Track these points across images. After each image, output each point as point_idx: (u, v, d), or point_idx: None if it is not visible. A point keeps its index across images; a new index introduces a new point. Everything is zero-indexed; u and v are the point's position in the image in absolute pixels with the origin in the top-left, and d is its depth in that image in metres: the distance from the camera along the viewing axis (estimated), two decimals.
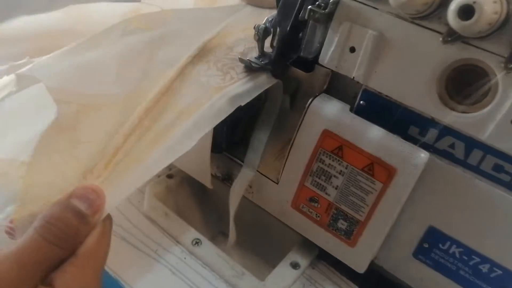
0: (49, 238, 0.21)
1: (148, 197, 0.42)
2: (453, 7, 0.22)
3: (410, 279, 0.37)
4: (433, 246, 0.34)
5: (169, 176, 0.46)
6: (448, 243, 0.33)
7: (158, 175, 0.46)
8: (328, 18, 0.32)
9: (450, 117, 0.29)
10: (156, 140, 0.29)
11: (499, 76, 0.26)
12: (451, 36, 0.27)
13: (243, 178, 0.38)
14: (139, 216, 0.41)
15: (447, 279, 0.34)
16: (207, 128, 0.31)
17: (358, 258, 0.35)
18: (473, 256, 0.32)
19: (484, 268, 0.32)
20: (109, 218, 0.24)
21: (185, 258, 0.38)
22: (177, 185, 0.46)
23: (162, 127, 0.30)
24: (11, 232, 0.22)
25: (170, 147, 0.29)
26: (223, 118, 0.32)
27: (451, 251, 0.33)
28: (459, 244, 0.33)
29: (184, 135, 0.30)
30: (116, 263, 0.36)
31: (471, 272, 0.33)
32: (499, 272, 0.31)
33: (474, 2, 0.22)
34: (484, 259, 0.32)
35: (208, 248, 0.39)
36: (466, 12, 0.22)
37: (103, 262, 0.23)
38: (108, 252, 0.24)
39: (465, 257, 0.33)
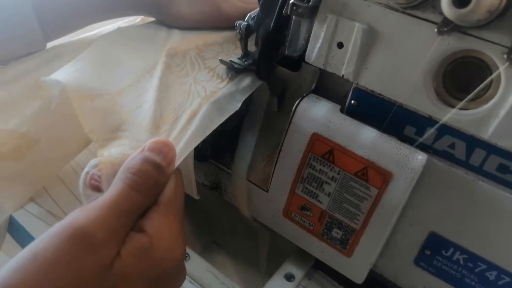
0: (136, 188, 0.23)
1: None
2: None
3: (412, 287, 0.34)
4: (435, 253, 0.31)
5: None
6: (451, 250, 0.30)
7: None
8: (312, 12, 0.29)
9: (449, 115, 0.26)
10: None
11: (502, 68, 0.24)
12: (447, 26, 0.24)
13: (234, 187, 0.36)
14: None
15: (450, 286, 0.32)
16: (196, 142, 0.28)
17: (356, 268, 0.33)
18: (479, 263, 0.29)
19: (491, 275, 0.29)
20: (178, 169, 0.25)
21: None
22: None
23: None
24: (96, 183, 0.25)
25: None
26: (212, 129, 0.29)
27: (454, 257, 0.30)
28: (463, 251, 0.30)
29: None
30: None
31: (477, 280, 0.30)
32: (508, 279, 0.29)
33: None
34: (491, 266, 0.29)
35: (196, 263, 0.36)
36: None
37: (182, 209, 0.25)
38: (183, 201, 0.25)
39: (470, 264, 0.30)
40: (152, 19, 0.43)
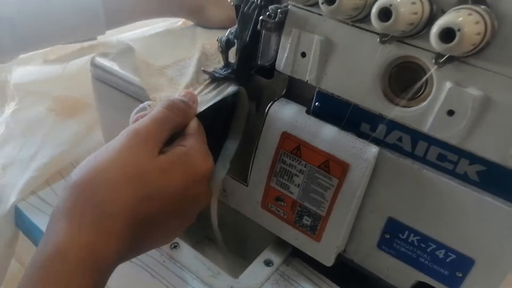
0: (169, 108, 0.31)
1: None
2: (374, 10, 0.24)
3: (378, 270, 0.38)
4: (393, 236, 0.35)
5: None
6: (406, 232, 0.34)
7: None
8: (279, 27, 0.33)
9: (395, 112, 0.30)
10: None
11: (433, 71, 0.28)
12: (387, 36, 0.28)
13: (215, 183, 0.40)
14: None
15: (410, 267, 0.35)
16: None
17: (324, 251, 0.36)
18: (429, 243, 0.33)
19: (440, 253, 0.33)
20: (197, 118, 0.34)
21: (164, 261, 0.39)
22: None
23: None
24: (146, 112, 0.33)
25: None
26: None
27: (409, 239, 0.34)
28: (416, 233, 0.33)
29: None
30: None
31: (429, 259, 0.34)
32: (453, 256, 0.32)
33: (390, 5, 0.23)
34: (439, 245, 0.33)
35: (185, 251, 0.40)
36: (385, 14, 0.23)
37: (205, 139, 0.33)
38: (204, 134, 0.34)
39: (422, 245, 0.34)
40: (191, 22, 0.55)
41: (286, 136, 0.35)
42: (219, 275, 0.38)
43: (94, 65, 0.42)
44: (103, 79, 0.42)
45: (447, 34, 0.22)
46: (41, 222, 0.43)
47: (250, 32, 0.37)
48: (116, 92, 0.41)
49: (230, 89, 0.38)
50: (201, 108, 0.35)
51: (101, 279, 0.26)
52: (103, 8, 0.45)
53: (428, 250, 0.33)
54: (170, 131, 0.31)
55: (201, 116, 0.34)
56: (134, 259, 0.39)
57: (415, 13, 0.24)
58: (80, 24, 0.45)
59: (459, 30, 0.22)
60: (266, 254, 0.40)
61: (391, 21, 0.23)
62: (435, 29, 0.22)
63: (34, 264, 0.25)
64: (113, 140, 0.29)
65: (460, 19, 0.22)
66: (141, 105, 0.35)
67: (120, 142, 0.28)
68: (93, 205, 0.26)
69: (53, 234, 0.25)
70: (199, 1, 0.50)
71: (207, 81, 0.39)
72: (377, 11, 0.24)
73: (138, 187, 0.27)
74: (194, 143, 0.31)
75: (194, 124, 0.33)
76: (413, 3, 0.24)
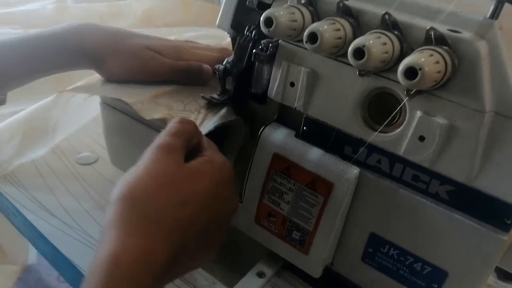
0: (181, 122, 0.34)
1: None
2: (349, 50, 0.27)
3: (363, 282, 0.40)
4: (376, 250, 0.38)
5: None
6: (387, 247, 0.37)
7: None
8: (270, 59, 0.37)
9: (374, 137, 0.34)
10: None
11: (405, 101, 0.31)
12: (364, 70, 0.32)
13: None
14: None
15: (391, 279, 0.38)
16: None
17: (312, 264, 0.39)
18: (408, 257, 0.36)
19: (418, 266, 0.36)
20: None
21: None
22: None
23: None
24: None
25: None
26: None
27: (390, 253, 0.37)
28: (395, 247, 0.36)
29: None
30: None
31: (408, 271, 0.36)
32: (429, 269, 0.35)
33: (364, 46, 0.26)
34: (416, 258, 0.35)
35: None
36: (359, 53, 0.27)
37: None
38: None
39: (402, 258, 0.36)
40: None
41: (277, 157, 0.38)
42: (215, 285, 0.40)
43: None
44: (111, 104, 0.45)
45: (411, 72, 0.25)
46: None
47: (245, 62, 0.40)
48: (124, 116, 0.44)
49: (227, 117, 0.41)
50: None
51: (154, 284, 0.27)
52: None
53: (407, 263, 0.36)
54: (187, 141, 0.34)
55: None
56: None
57: (386, 52, 0.28)
58: None
59: (420, 69, 0.25)
60: (259, 266, 0.43)
61: (364, 59, 0.27)
62: (401, 67, 0.26)
63: (90, 272, 0.27)
64: (141, 158, 0.32)
65: (422, 59, 0.26)
66: None
67: (148, 158, 0.31)
68: (137, 213, 0.29)
69: (105, 243, 0.27)
70: (100, 55, 0.46)
71: (205, 106, 0.42)
72: (352, 51, 0.27)
73: (173, 195, 0.30)
74: (213, 152, 0.34)
75: (205, 139, 0.36)
76: (384, 43, 0.28)
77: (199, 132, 0.36)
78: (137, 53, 0.46)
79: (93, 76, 0.49)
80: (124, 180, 0.30)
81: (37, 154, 0.55)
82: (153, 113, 0.41)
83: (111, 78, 0.47)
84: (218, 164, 0.33)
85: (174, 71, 0.46)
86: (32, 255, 0.94)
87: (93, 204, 0.52)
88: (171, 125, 0.34)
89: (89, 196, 0.53)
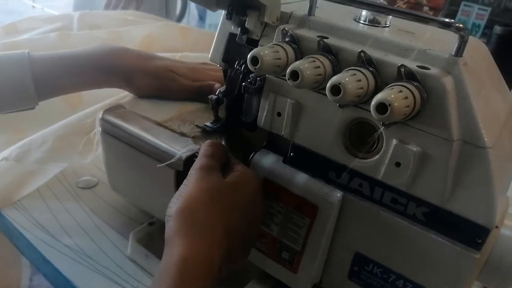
0: (211, 145, 0.40)
1: (131, 242, 0.49)
2: (327, 86, 0.30)
3: None
4: (361, 269, 0.40)
5: (150, 224, 0.52)
6: (371, 265, 0.39)
7: (141, 223, 0.52)
8: (259, 91, 0.40)
9: (355, 163, 0.36)
10: None
11: (381, 130, 0.34)
12: (344, 103, 0.34)
13: None
14: (123, 259, 0.47)
15: None
16: None
17: (301, 282, 0.41)
18: (390, 274, 0.38)
19: (400, 283, 0.37)
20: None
21: None
22: (158, 230, 0.52)
23: None
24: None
25: None
26: None
27: (374, 271, 0.39)
28: (379, 265, 0.38)
29: None
30: None
31: None
32: (411, 286, 0.37)
33: (340, 84, 0.29)
34: (398, 276, 0.37)
35: None
36: (336, 90, 0.29)
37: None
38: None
39: (385, 276, 0.38)
40: None
41: (266, 182, 0.40)
42: None
43: (103, 120, 0.48)
44: (112, 133, 0.47)
45: (382, 107, 0.28)
46: None
47: (236, 93, 0.43)
48: (123, 145, 0.46)
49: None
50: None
51: (211, 284, 0.31)
52: (32, 80, 0.47)
53: (390, 280, 0.38)
54: (220, 160, 0.39)
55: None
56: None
57: (361, 88, 0.30)
58: (11, 95, 0.48)
59: (390, 104, 0.27)
60: (252, 285, 0.45)
61: (340, 95, 0.29)
62: (373, 102, 0.28)
63: (158, 275, 0.30)
64: (186, 180, 0.37)
65: (392, 96, 0.28)
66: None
67: (194, 178, 0.36)
68: (195, 222, 0.33)
69: (172, 250, 0.31)
70: (129, 75, 0.53)
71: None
72: (329, 88, 0.30)
73: (221, 205, 0.35)
74: (243, 168, 0.39)
75: (232, 157, 0.41)
76: (359, 80, 0.30)
77: (227, 151, 0.41)
78: (160, 75, 0.53)
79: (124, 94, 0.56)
80: (178, 197, 0.35)
81: (41, 181, 0.57)
82: None
83: (138, 95, 0.54)
84: (250, 177, 0.38)
85: (189, 91, 0.54)
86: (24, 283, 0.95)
87: (93, 227, 0.54)
88: (205, 148, 0.39)
89: (90, 220, 0.55)
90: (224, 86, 0.45)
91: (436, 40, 0.34)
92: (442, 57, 0.32)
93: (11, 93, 0.47)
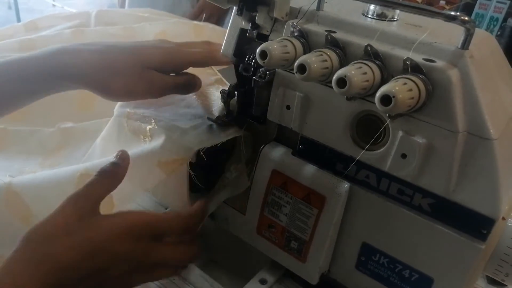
0: (98, 175, 0.38)
1: None
2: (333, 79, 0.30)
3: None
4: (368, 259, 0.40)
5: None
6: (378, 255, 0.39)
7: None
8: (268, 85, 0.40)
9: (362, 155, 0.36)
10: None
11: (388, 122, 0.34)
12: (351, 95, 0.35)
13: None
14: None
15: (383, 286, 0.40)
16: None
17: (309, 271, 0.42)
18: (397, 264, 0.38)
19: (406, 273, 0.38)
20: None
21: (173, 279, 0.45)
22: None
23: None
24: None
25: None
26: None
27: (381, 261, 0.39)
28: (385, 255, 0.39)
29: None
30: None
31: (398, 278, 0.39)
32: (417, 275, 0.37)
33: (345, 76, 0.30)
34: (404, 266, 0.38)
35: (192, 270, 0.46)
36: (342, 82, 0.30)
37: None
38: None
39: (391, 266, 0.39)
40: None
41: (275, 173, 0.41)
42: None
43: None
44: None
45: (386, 99, 0.28)
46: None
47: (246, 87, 0.44)
48: None
49: (233, 133, 0.45)
50: (207, 145, 0.42)
51: None
52: None
53: (396, 270, 0.38)
54: (101, 194, 0.37)
55: (207, 152, 0.42)
56: None
57: (367, 81, 0.31)
58: None
59: (394, 96, 0.28)
60: (262, 274, 0.46)
61: (346, 88, 0.30)
62: (377, 95, 0.29)
63: None
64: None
65: (396, 88, 0.29)
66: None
67: (58, 207, 0.35)
68: (23, 254, 0.32)
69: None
70: (90, 76, 0.44)
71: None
72: (335, 80, 0.30)
73: (62, 241, 0.33)
74: (123, 213, 0.37)
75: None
76: (364, 73, 0.31)
77: (120, 173, 0.39)
78: (139, 75, 0.44)
79: None
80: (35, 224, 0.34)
81: None
82: None
83: (111, 99, 0.46)
84: (116, 223, 0.36)
85: (175, 86, 0.47)
86: None
87: None
88: (92, 178, 0.37)
89: None
90: (236, 81, 0.46)
91: (444, 33, 0.34)
92: (448, 50, 0.32)
93: None
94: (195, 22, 0.94)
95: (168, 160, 0.43)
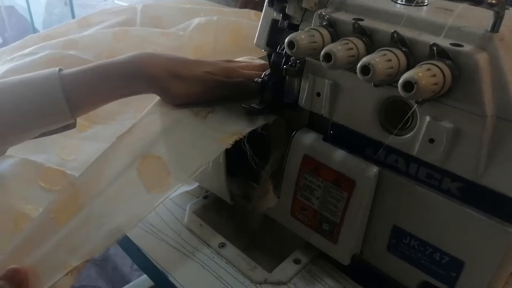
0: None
1: (188, 213, 0.54)
2: (358, 66, 0.31)
3: (389, 270, 0.43)
4: (399, 241, 0.41)
5: (205, 197, 0.57)
6: (408, 238, 0.40)
7: (197, 196, 0.57)
8: (299, 73, 0.42)
9: (391, 140, 0.37)
10: None
11: (415, 107, 0.34)
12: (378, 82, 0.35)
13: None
14: (181, 227, 0.52)
15: (414, 268, 0.41)
16: None
17: (341, 252, 0.43)
18: (427, 247, 0.39)
19: (437, 256, 0.38)
20: None
21: (213, 257, 0.48)
22: (212, 203, 0.57)
23: None
24: None
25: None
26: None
27: (411, 244, 0.40)
28: (416, 238, 0.39)
29: None
30: (163, 260, 0.47)
31: (428, 260, 0.39)
32: (447, 258, 0.37)
33: (369, 64, 0.30)
34: (435, 249, 0.38)
35: (230, 249, 0.48)
36: (366, 70, 0.31)
37: None
38: None
39: (422, 248, 0.39)
40: None
41: (307, 158, 0.42)
42: (256, 269, 0.46)
43: None
44: None
45: (409, 85, 0.29)
46: None
47: (279, 76, 0.45)
48: None
49: (265, 119, 0.46)
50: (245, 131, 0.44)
51: None
52: (62, 92, 0.45)
53: (427, 253, 0.39)
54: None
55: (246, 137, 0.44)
56: (188, 254, 0.48)
57: (391, 67, 0.31)
58: (43, 110, 0.45)
59: (416, 83, 0.28)
60: (296, 254, 0.47)
61: (370, 75, 0.30)
62: (400, 81, 0.29)
63: None
64: None
65: (419, 74, 0.29)
66: None
67: None
68: None
69: None
70: (164, 81, 0.48)
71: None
72: (359, 68, 0.31)
73: None
74: None
75: None
76: (389, 60, 0.31)
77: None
78: (200, 79, 0.48)
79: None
80: None
81: None
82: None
83: (175, 102, 0.50)
84: None
85: (230, 88, 0.50)
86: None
87: None
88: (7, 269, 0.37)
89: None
90: (269, 70, 0.47)
91: (475, 16, 0.34)
92: (477, 34, 0.31)
93: (42, 108, 0.45)
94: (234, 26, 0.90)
95: (224, 136, 0.45)
